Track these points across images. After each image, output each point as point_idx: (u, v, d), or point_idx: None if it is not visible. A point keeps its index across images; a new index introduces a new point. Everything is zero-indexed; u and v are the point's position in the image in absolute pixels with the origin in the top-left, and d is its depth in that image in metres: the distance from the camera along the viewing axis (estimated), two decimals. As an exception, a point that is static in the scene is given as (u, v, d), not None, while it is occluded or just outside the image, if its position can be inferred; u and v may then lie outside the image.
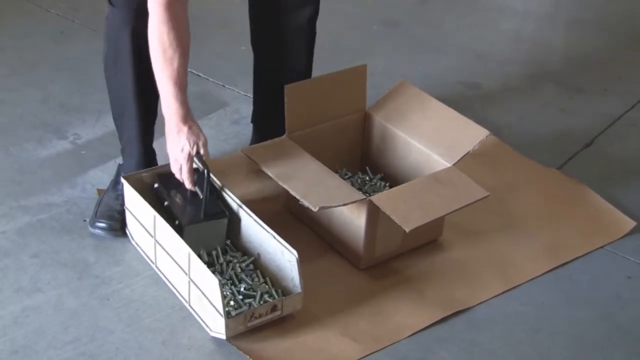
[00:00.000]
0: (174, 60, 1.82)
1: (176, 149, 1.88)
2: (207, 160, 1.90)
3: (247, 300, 1.83)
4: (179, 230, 1.87)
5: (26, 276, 1.93)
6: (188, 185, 1.93)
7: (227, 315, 1.74)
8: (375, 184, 2.21)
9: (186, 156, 1.88)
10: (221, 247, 1.95)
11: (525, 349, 1.83)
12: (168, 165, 1.96)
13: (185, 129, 1.87)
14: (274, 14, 2.17)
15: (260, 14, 2.20)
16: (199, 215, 1.91)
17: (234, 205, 1.95)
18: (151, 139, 2.13)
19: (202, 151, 1.89)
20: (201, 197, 1.91)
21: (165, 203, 1.96)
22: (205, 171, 1.88)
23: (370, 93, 2.21)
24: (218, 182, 1.99)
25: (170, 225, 1.86)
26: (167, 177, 1.98)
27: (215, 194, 1.98)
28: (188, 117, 1.87)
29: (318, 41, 2.24)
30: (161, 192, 1.99)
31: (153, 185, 2.01)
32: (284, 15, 2.16)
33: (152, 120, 2.10)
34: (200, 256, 1.84)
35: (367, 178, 2.23)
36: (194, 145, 1.87)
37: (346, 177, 2.22)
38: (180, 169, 1.91)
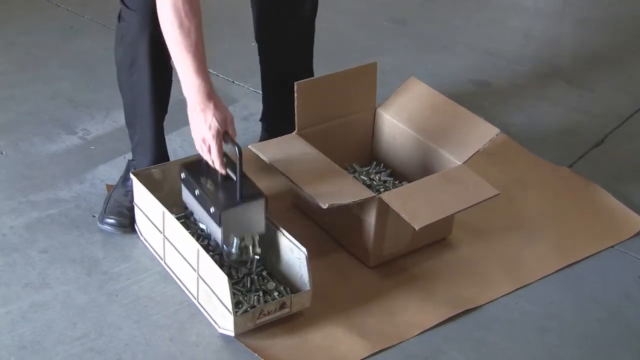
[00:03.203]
0: (192, 32, 1.68)
1: (203, 128, 1.73)
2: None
3: (255, 297, 1.83)
4: (216, 217, 1.76)
5: (35, 271, 1.93)
6: (218, 166, 1.77)
7: (236, 312, 1.74)
8: (385, 181, 2.20)
9: (215, 134, 1.72)
10: (260, 231, 1.83)
11: (534, 349, 1.83)
12: (192, 155, 1.84)
13: (211, 105, 1.72)
14: (275, 10, 2.18)
15: (261, 10, 2.21)
16: (235, 199, 1.77)
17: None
18: (164, 141, 2.10)
19: (229, 130, 1.75)
20: (234, 179, 1.76)
21: (197, 192, 1.83)
22: (237, 150, 1.72)
23: (379, 90, 2.20)
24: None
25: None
26: (194, 167, 1.86)
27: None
28: (212, 92, 1.73)
29: (327, 39, 2.24)
30: (190, 182, 1.85)
31: (180, 177, 1.90)
32: (284, 11, 2.17)
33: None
34: (242, 244, 1.79)
35: (377, 176, 2.23)
36: (222, 122, 1.73)
37: (355, 174, 2.22)
38: (209, 149, 1.76)
